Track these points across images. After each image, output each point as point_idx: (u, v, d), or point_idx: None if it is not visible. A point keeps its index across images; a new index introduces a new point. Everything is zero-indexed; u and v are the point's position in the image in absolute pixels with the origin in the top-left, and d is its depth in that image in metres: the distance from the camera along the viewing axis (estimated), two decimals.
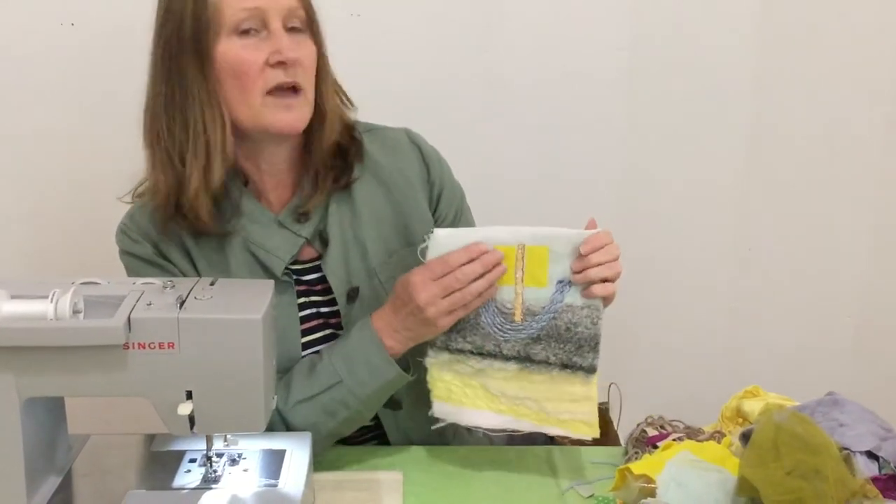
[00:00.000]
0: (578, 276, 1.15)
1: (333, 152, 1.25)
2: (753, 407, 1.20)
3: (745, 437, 1.06)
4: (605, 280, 1.15)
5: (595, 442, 1.64)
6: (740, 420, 1.22)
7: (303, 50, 1.16)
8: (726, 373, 2.04)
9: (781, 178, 1.96)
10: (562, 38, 1.83)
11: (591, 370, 1.18)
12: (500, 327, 1.18)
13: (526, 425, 1.20)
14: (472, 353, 1.19)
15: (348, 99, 1.28)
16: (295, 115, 1.17)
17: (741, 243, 2.00)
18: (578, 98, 1.88)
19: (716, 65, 1.88)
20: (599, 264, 1.14)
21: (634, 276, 1.98)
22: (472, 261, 1.13)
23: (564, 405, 1.19)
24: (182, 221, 1.20)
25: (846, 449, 1.02)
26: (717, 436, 1.19)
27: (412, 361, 1.23)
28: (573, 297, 1.17)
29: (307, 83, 1.17)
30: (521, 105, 1.87)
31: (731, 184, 1.96)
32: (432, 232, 1.16)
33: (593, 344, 1.18)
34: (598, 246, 1.15)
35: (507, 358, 1.19)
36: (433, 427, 1.23)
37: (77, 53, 1.72)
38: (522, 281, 1.17)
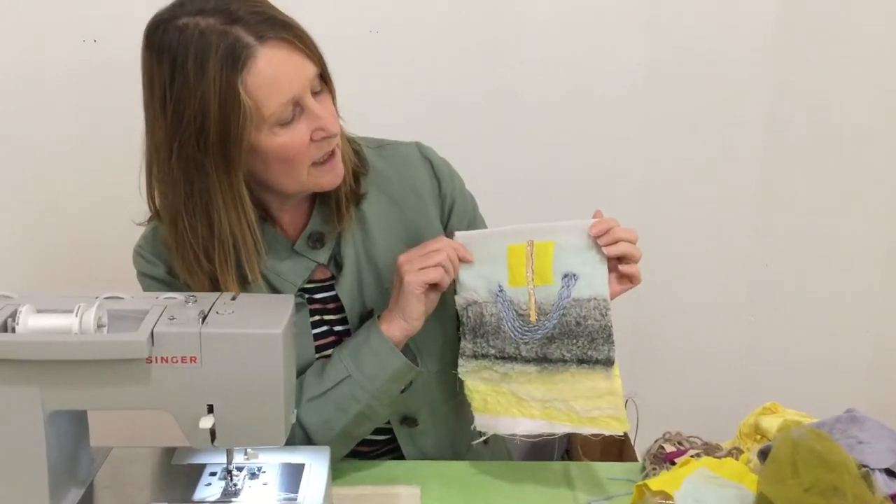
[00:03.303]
0: (611, 247, 1.16)
1: (351, 174, 1.24)
2: (771, 423, 1.20)
3: (764, 454, 1.06)
4: (623, 258, 1.17)
5: (612, 457, 1.64)
6: (758, 437, 1.22)
7: (331, 110, 1.15)
8: (743, 389, 2.04)
9: (798, 194, 1.96)
10: (578, 52, 1.85)
11: (608, 363, 1.18)
12: (518, 330, 1.20)
13: (560, 428, 1.21)
14: (495, 357, 1.22)
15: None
16: (337, 172, 1.17)
17: (758, 259, 1.99)
18: (594, 113, 1.89)
19: (732, 80, 1.89)
20: (620, 239, 1.16)
21: (652, 292, 1.98)
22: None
23: (591, 402, 1.19)
24: None
25: (865, 466, 1.02)
26: (735, 452, 1.19)
27: (444, 371, 1.26)
28: (579, 291, 1.18)
29: (339, 136, 1.17)
30: (537, 119, 1.88)
31: (747, 199, 1.96)
32: (453, 234, 1.22)
33: (606, 335, 1.18)
34: (605, 228, 1.16)
35: (526, 360, 1.21)
36: (474, 442, 1.26)
37: (99, 70, 1.75)
38: (533, 281, 1.19)
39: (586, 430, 1.20)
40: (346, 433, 1.22)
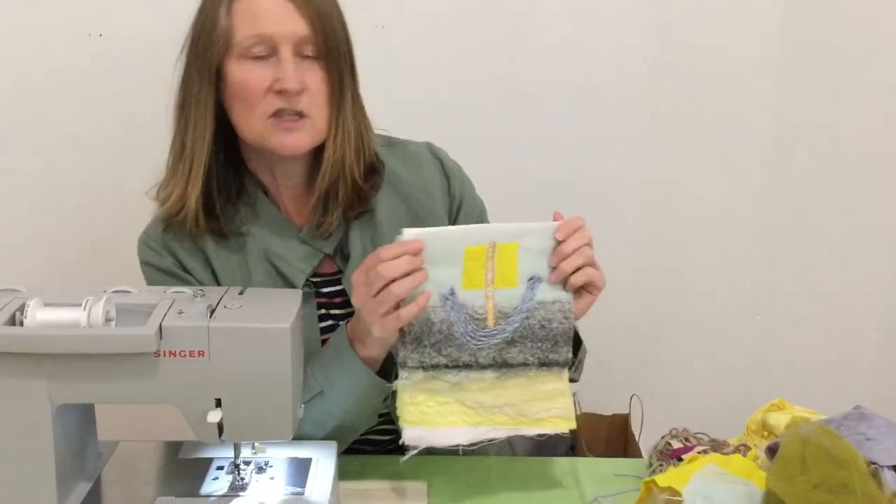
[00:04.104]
0: (553, 275, 1.13)
1: (349, 184, 1.23)
2: (779, 420, 1.20)
3: (772, 451, 1.06)
4: (578, 269, 1.12)
5: (616, 454, 1.63)
6: (766, 433, 1.22)
7: (310, 78, 1.16)
8: (749, 386, 2.03)
9: (805, 192, 1.95)
10: (584, 49, 1.84)
11: (564, 364, 1.17)
12: (472, 335, 1.13)
13: (502, 432, 1.17)
14: (447, 366, 1.14)
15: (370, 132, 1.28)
16: (295, 138, 1.17)
17: (764, 255, 1.99)
18: (600, 110, 1.88)
19: (738, 77, 1.88)
20: (573, 251, 1.11)
21: (656, 288, 1.99)
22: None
23: (541, 404, 1.17)
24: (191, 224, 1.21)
25: (874, 463, 1.02)
26: (743, 449, 1.19)
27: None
28: (543, 294, 1.14)
29: (314, 110, 1.17)
30: (543, 116, 1.87)
31: (753, 197, 1.95)
32: (401, 233, 1.10)
33: (566, 338, 1.15)
34: (572, 230, 1.12)
35: (483, 367, 1.15)
36: (402, 460, 1.15)
37: (105, 64, 1.75)
38: (493, 283, 1.13)
39: (532, 430, 1.17)
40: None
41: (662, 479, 1.07)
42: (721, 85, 1.88)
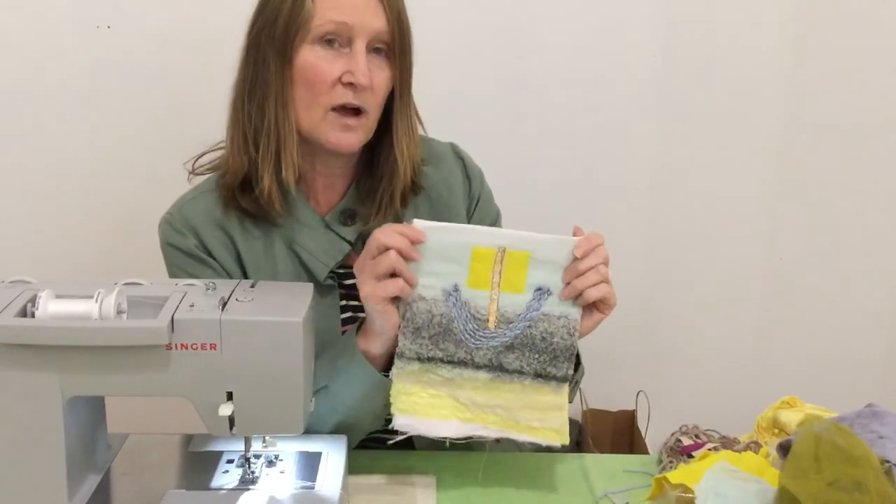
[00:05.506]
0: (566, 290, 1.12)
1: (397, 188, 1.26)
2: (790, 417, 1.19)
3: (784, 448, 1.05)
4: (592, 286, 1.11)
5: (623, 450, 1.63)
6: (776, 430, 1.22)
7: (377, 75, 1.17)
8: (755, 383, 2.04)
9: (813, 188, 1.95)
10: (594, 43, 1.84)
11: (563, 380, 1.16)
12: (472, 334, 1.13)
13: (493, 432, 1.17)
14: (442, 361, 1.14)
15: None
16: (351, 137, 1.19)
17: (773, 252, 1.99)
18: (609, 104, 1.88)
19: (747, 72, 1.88)
20: (588, 269, 1.11)
21: (663, 284, 1.99)
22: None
23: (534, 413, 1.16)
24: (245, 201, 1.22)
25: (887, 461, 1.01)
26: (754, 446, 1.19)
27: None
28: (550, 307, 1.13)
29: (372, 107, 1.19)
30: (551, 110, 1.87)
31: (762, 192, 1.95)
32: (411, 222, 1.11)
33: (568, 355, 1.15)
34: (591, 248, 1.11)
35: (478, 366, 1.15)
36: (390, 442, 1.18)
37: (113, 56, 1.74)
38: (499, 286, 1.13)
39: (520, 436, 1.17)
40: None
41: (674, 476, 1.07)
42: (730, 81, 1.88)
